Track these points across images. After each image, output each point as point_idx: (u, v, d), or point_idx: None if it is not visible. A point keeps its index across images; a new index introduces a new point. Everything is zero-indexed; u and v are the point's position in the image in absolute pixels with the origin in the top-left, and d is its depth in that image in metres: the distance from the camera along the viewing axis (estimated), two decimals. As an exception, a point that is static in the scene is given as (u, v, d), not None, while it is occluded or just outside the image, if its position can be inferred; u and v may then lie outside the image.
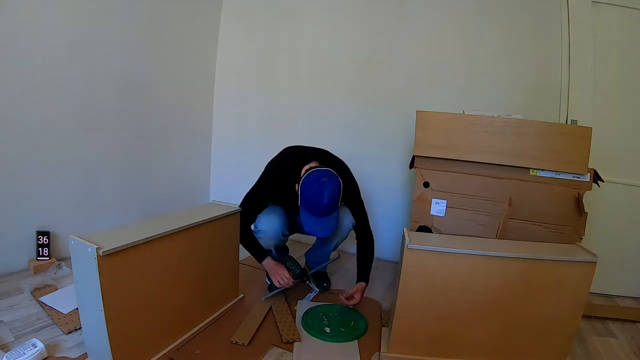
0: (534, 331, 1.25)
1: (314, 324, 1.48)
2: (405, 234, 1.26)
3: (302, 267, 1.73)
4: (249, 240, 1.62)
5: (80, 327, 1.27)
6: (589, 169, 1.41)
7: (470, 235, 1.47)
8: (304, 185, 1.39)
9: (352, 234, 1.70)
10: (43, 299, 1.49)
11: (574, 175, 1.42)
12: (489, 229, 1.48)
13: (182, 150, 2.62)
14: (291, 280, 1.61)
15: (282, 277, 1.60)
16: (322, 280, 1.87)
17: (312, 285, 1.82)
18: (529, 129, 1.42)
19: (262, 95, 2.66)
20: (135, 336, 1.11)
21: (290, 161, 1.57)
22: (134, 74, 2.19)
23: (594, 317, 1.75)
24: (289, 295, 1.72)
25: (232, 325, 1.42)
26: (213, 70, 2.77)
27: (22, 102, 1.70)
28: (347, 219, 1.63)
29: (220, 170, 2.87)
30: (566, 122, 1.95)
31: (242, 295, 1.65)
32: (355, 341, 1.40)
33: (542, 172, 1.44)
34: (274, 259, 1.65)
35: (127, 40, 2.11)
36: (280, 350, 1.32)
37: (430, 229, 1.53)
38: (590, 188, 1.43)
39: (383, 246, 2.34)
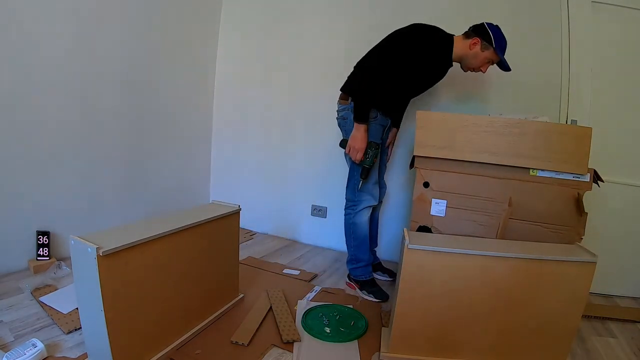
0: (533, 331, 1.25)
1: (314, 324, 1.48)
2: (405, 234, 1.26)
3: (372, 164, 1.67)
4: (366, 96, 1.58)
5: (80, 327, 1.28)
6: (589, 169, 1.41)
7: (470, 235, 1.47)
8: (496, 30, 1.56)
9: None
10: (43, 299, 1.49)
11: (574, 175, 1.42)
12: (489, 229, 1.48)
13: (182, 150, 2.62)
14: (359, 159, 1.62)
15: (357, 151, 1.60)
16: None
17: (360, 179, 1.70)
18: (529, 129, 1.42)
19: (262, 95, 2.66)
20: (135, 336, 1.11)
21: (438, 30, 1.62)
22: (134, 74, 2.19)
23: (594, 317, 1.75)
24: (289, 295, 1.72)
25: (232, 325, 1.42)
26: (213, 70, 2.77)
27: (22, 102, 1.70)
28: None
29: (220, 170, 2.88)
30: (566, 122, 1.95)
31: (242, 295, 1.65)
32: (355, 341, 1.40)
33: (542, 172, 1.44)
34: (367, 131, 1.61)
35: (127, 40, 2.12)
36: (280, 350, 1.32)
37: (430, 229, 1.53)
38: (590, 188, 1.43)
39: (383, 246, 2.35)
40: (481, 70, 1.64)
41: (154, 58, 2.30)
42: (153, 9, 2.24)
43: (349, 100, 1.69)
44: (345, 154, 1.73)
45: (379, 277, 2.00)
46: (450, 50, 1.61)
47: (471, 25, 1.61)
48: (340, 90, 1.75)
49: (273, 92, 2.63)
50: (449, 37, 1.62)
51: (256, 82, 2.67)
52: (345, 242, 1.85)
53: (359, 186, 1.72)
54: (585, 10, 1.90)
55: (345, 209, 1.81)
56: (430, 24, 1.62)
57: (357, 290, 1.82)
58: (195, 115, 2.70)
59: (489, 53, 1.57)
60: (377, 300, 1.74)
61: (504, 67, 1.60)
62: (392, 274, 2.00)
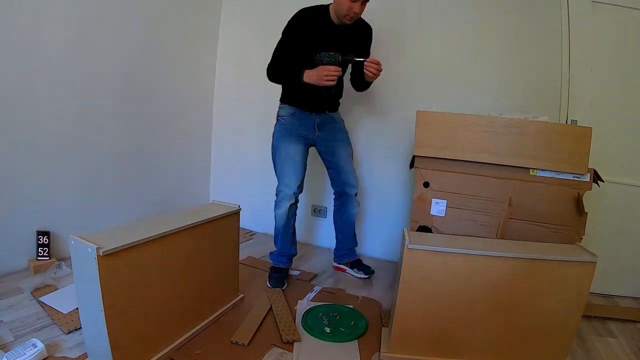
0: (533, 331, 1.25)
1: (314, 324, 1.48)
2: (405, 234, 1.26)
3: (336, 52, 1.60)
4: (279, 67, 1.71)
5: (80, 327, 1.27)
6: (589, 169, 1.41)
7: (470, 235, 1.47)
8: None
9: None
10: (43, 299, 1.49)
11: (574, 175, 1.42)
12: (489, 229, 1.48)
13: (182, 150, 2.62)
14: (339, 69, 1.57)
15: (329, 73, 1.55)
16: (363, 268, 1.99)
17: (354, 60, 1.63)
18: (529, 129, 1.42)
19: (262, 95, 2.65)
20: (135, 336, 1.11)
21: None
22: (134, 74, 2.19)
23: (594, 317, 1.75)
24: (289, 295, 1.72)
25: (232, 325, 1.42)
26: (213, 70, 2.77)
27: (22, 102, 1.70)
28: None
29: (220, 170, 2.87)
30: (566, 122, 1.95)
31: (242, 295, 1.65)
32: (355, 341, 1.40)
33: (542, 172, 1.44)
34: (309, 68, 1.61)
35: (127, 40, 2.11)
36: (280, 350, 1.32)
37: (430, 229, 1.53)
38: (590, 188, 1.43)
39: (383, 246, 2.35)
40: (355, 13, 1.59)
41: (154, 58, 2.30)
42: (153, 9, 2.24)
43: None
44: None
45: (354, 274, 2.01)
46: (326, 14, 1.68)
47: None
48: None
49: (273, 92, 2.62)
50: (324, 7, 1.70)
51: (256, 82, 2.66)
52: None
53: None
54: (585, 10, 1.90)
55: None
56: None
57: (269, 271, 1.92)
58: (195, 115, 2.70)
59: None
60: (269, 286, 1.80)
61: None
62: (369, 271, 2.01)
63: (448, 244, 1.26)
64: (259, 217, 2.71)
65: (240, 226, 1.60)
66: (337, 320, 1.52)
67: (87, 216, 2.04)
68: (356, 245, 2.06)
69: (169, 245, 1.19)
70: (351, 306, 1.65)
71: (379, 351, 1.33)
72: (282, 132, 1.84)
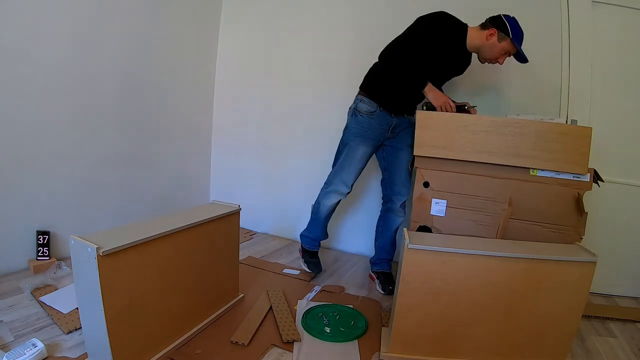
0: (533, 331, 1.25)
1: (314, 324, 1.48)
2: (405, 234, 1.26)
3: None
4: (408, 63, 1.60)
5: (80, 327, 1.27)
6: (589, 169, 1.41)
7: (470, 235, 1.47)
8: (514, 22, 1.60)
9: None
10: (43, 298, 1.49)
11: (574, 175, 1.42)
12: (489, 229, 1.48)
13: (182, 150, 2.62)
14: (453, 107, 1.58)
15: (449, 108, 1.56)
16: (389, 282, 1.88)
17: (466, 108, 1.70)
18: (529, 129, 1.42)
19: (262, 94, 2.66)
20: (135, 336, 1.11)
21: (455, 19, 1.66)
22: (134, 74, 2.19)
23: (594, 317, 1.75)
24: (289, 295, 1.72)
25: (232, 325, 1.42)
26: (213, 70, 2.77)
27: (22, 102, 1.70)
28: None
29: (220, 170, 2.87)
30: (566, 122, 1.95)
31: (242, 295, 1.65)
32: (355, 341, 1.40)
33: (542, 172, 1.44)
34: (434, 87, 1.61)
35: (127, 40, 2.11)
36: (280, 350, 1.32)
37: (430, 229, 1.53)
38: (590, 188, 1.43)
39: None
40: (498, 62, 1.65)
41: (154, 58, 2.30)
42: (153, 10, 2.24)
43: (358, 92, 1.80)
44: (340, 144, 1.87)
45: (376, 286, 1.91)
46: (464, 38, 1.63)
47: (487, 17, 1.63)
48: (360, 87, 1.84)
49: (273, 91, 2.63)
50: (463, 26, 1.65)
51: (256, 82, 2.67)
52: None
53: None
54: (585, 10, 1.90)
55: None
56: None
57: (300, 256, 2.01)
58: (195, 115, 2.70)
59: (505, 44, 1.59)
60: (308, 271, 1.87)
61: (521, 58, 1.62)
62: (388, 290, 1.84)
63: (448, 244, 1.26)
64: (259, 217, 2.71)
65: (240, 226, 1.59)
66: (337, 320, 1.52)
67: (87, 216, 2.04)
68: (391, 257, 1.95)
69: (169, 245, 1.19)
70: (351, 306, 1.65)
71: (379, 351, 1.33)
72: (357, 132, 1.78)
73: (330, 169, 1.92)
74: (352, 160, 1.80)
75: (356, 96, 1.82)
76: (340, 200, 1.88)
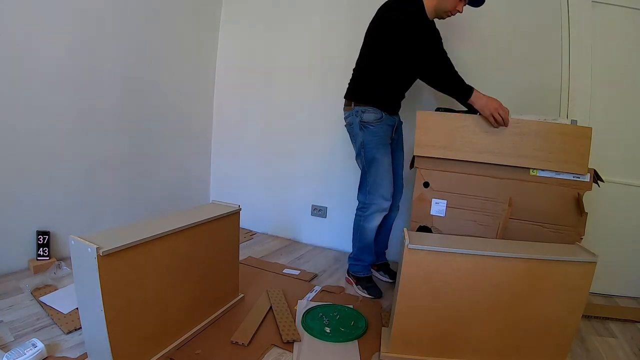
0: (534, 331, 1.25)
1: (314, 324, 1.48)
2: (405, 234, 1.26)
3: None
4: (452, 71, 1.58)
5: (80, 327, 1.28)
6: (589, 169, 1.41)
7: (470, 235, 1.47)
8: None
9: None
10: (43, 299, 1.49)
11: (574, 175, 1.42)
12: (489, 229, 1.48)
13: (182, 150, 2.62)
14: (508, 115, 1.43)
15: (497, 110, 1.41)
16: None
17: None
18: (529, 129, 1.42)
19: (262, 94, 2.66)
20: (135, 336, 1.11)
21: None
22: (134, 74, 2.19)
23: (594, 317, 1.75)
24: (289, 295, 1.72)
25: (232, 325, 1.42)
26: (213, 70, 2.77)
27: (22, 102, 1.70)
28: None
29: (220, 170, 2.88)
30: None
31: (242, 295, 1.65)
32: (355, 341, 1.40)
33: (542, 172, 1.44)
34: (482, 94, 1.48)
35: (127, 40, 2.12)
36: (280, 350, 1.32)
37: (430, 229, 1.53)
38: (590, 188, 1.43)
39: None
40: (458, 11, 1.62)
41: (154, 58, 2.30)
42: (153, 10, 2.24)
43: (352, 105, 1.72)
44: (358, 158, 1.77)
45: (380, 277, 2.00)
46: (422, 8, 1.59)
47: None
48: (345, 97, 1.79)
49: (273, 92, 2.63)
50: (419, 2, 1.60)
51: (256, 82, 2.67)
52: (351, 239, 1.89)
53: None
54: (585, 10, 1.90)
55: (356, 209, 1.82)
56: None
57: (354, 285, 1.86)
58: (195, 115, 2.70)
59: None
60: (371, 297, 1.78)
61: (476, 2, 1.61)
62: (394, 276, 1.99)
63: (448, 244, 1.26)
64: (259, 217, 2.71)
65: (240, 226, 1.59)
66: (337, 320, 1.52)
67: (87, 216, 2.04)
68: (386, 248, 2.05)
69: (169, 245, 1.19)
70: (351, 306, 1.65)
71: (379, 351, 1.33)
72: (377, 143, 1.70)
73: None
74: (385, 173, 1.72)
75: (353, 109, 1.71)
76: (383, 216, 1.79)
